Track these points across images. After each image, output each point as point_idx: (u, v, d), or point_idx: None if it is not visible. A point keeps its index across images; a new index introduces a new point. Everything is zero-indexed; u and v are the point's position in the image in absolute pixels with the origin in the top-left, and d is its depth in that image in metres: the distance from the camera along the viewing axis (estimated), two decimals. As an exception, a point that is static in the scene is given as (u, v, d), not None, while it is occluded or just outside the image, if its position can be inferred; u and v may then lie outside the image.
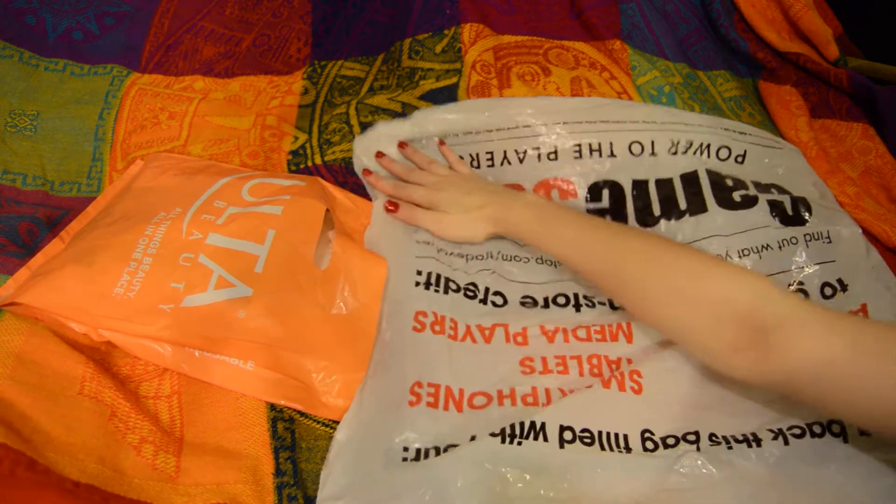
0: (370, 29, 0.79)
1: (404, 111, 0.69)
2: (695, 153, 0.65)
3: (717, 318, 0.45)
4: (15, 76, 0.70)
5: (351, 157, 0.67)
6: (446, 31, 0.73)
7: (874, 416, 0.41)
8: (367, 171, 0.64)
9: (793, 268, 0.59)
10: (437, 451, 0.46)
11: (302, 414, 0.50)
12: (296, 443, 0.48)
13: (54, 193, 0.65)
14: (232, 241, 0.53)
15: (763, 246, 0.60)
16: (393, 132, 0.66)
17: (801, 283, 0.59)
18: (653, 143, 0.64)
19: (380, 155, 0.64)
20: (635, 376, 0.50)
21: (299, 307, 0.50)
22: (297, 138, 0.69)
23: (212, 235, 0.53)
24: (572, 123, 0.65)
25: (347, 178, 0.66)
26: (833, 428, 0.47)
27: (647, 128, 0.65)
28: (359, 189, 0.65)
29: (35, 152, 0.67)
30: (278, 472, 0.45)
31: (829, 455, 0.45)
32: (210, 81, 0.75)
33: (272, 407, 0.49)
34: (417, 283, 0.54)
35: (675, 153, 0.65)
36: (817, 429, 0.47)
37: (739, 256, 0.60)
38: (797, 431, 0.47)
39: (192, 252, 0.52)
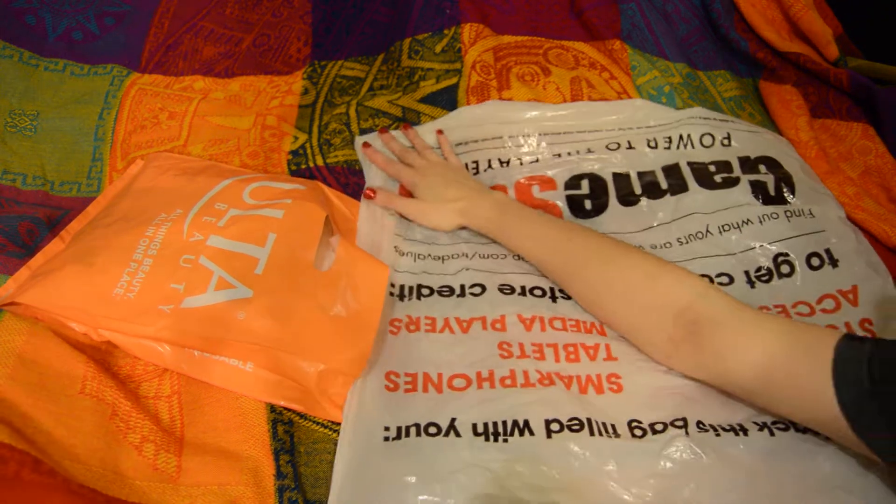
0: (370, 29, 0.79)
1: (405, 115, 0.70)
2: (677, 147, 0.68)
3: (661, 315, 0.49)
4: (15, 76, 0.70)
5: (352, 159, 0.67)
6: (446, 31, 0.73)
7: (808, 414, 0.43)
8: (366, 144, 0.67)
9: (776, 240, 0.59)
10: (418, 428, 0.46)
11: (301, 416, 0.50)
12: (294, 446, 0.48)
13: (54, 193, 0.65)
14: (233, 243, 0.53)
15: (744, 221, 0.61)
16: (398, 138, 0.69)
17: (785, 254, 0.58)
18: (629, 141, 0.68)
19: (383, 131, 0.68)
20: (613, 378, 0.50)
21: (299, 308, 0.50)
22: (297, 138, 0.69)
23: (213, 237, 0.53)
24: (551, 135, 0.69)
25: (349, 178, 0.66)
26: None
27: (623, 135, 0.69)
28: (360, 191, 0.65)
29: (35, 152, 0.67)
30: (279, 475, 0.45)
31: (815, 449, 0.46)
32: (210, 81, 0.75)
33: (272, 408, 0.49)
34: (392, 294, 0.56)
35: (655, 147, 0.68)
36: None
37: (720, 232, 0.61)
38: (782, 426, 0.47)
39: (193, 253, 0.52)
